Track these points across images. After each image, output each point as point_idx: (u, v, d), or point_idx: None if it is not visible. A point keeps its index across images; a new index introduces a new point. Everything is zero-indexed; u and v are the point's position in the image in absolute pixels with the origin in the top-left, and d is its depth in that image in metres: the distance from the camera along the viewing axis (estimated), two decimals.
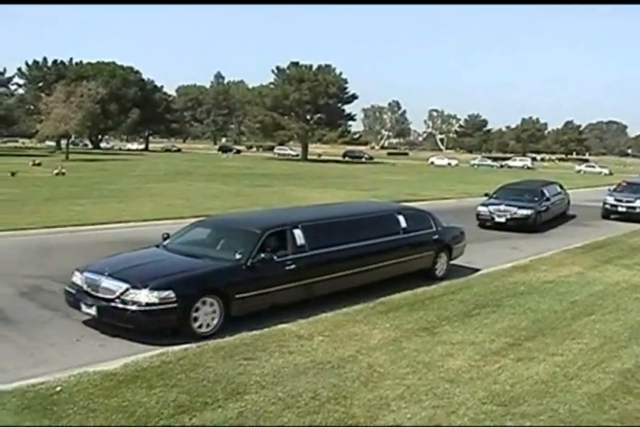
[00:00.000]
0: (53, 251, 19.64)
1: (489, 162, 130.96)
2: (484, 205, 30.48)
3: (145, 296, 11.75)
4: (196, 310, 12.12)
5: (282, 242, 13.89)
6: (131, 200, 34.11)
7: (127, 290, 11.93)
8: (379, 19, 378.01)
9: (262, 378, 9.79)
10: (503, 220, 29.35)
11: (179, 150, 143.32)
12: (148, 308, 11.72)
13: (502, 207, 29.52)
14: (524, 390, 9.73)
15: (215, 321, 12.41)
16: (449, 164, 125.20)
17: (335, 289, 14.85)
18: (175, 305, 11.82)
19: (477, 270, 19.25)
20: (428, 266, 17.89)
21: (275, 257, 13.42)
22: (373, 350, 11.26)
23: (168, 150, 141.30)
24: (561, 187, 35.98)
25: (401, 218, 17.27)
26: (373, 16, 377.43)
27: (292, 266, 13.71)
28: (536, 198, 30.87)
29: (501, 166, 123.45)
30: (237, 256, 13.17)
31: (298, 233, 14.10)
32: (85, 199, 33.46)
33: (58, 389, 9.15)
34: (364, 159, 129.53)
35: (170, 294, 11.79)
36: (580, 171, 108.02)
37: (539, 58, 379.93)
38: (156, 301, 11.72)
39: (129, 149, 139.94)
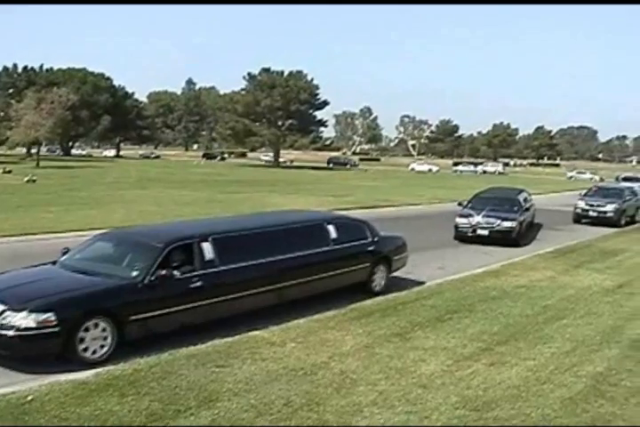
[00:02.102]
0: (23, 258, 19.47)
1: (472, 168, 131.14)
2: (462, 215, 27.87)
3: (22, 319, 10.53)
4: (83, 333, 10.90)
5: (188, 257, 12.65)
6: (102, 207, 33.90)
7: (3, 312, 10.71)
8: (349, 24, 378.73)
9: (235, 385, 9.73)
10: (486, 232, 26.81)
11: (157, 157, 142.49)
12: (25, 333, 10.50)
13: (484, 219, 27.04)
14: (496, 394, 9.74)
15: (106, 346, 11.21)
16: (429, 170, 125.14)
17: (250, 308, 13.67)
18: (57, 329, 10.58)
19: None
20: (364, 280, 16.65)
21: (177, 274, 12.24)
22: (346, 357, 11.23)
23: (147, 157, 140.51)
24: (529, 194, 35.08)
25: (331, 228, 15.98)
26: (345, 21, 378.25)
27: (198, 283, 12.49)
28: (515, 208, 28.58)
29: (484, 172, 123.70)
30: (134, 273, 12.04)
31: (206, 247, 12.86)
32: (56, 206, 33.23)
33: (29, 398, 9.05)
34: (349, 166, 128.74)
35: (50, 316, 10.56)
36: (571, 177, 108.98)
37: (509, 63, 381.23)
38: (34, 325, 10.50)
39: (105, 156, 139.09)
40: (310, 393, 9.54)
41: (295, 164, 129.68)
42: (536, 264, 21.38)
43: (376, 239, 17.12)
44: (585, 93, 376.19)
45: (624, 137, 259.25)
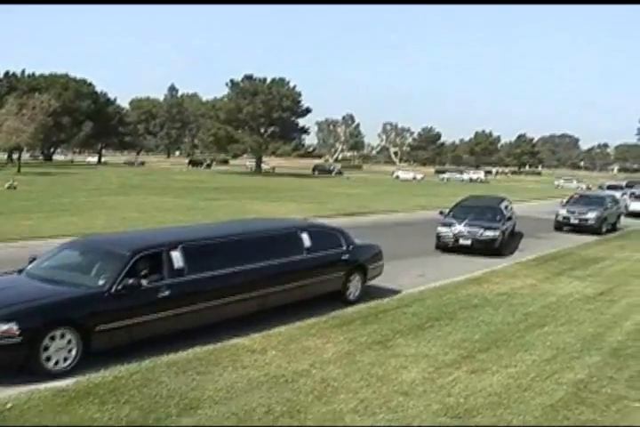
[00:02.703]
0: (1, 264, 19.38)
1: (459, 175, 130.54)
2: (444, 225, 27.09)
3: None
4: (47, 344, 10.59)
5: (156, 265, 12.38)
6: (84, 214, 33.79)
7: None
8: (331, 31, 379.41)
9: (216, 393, 9.70)
10: (469, 242, 26.12)
11: (142, 164, 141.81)
12: None
13: (466, 228, 26.35)
14: (477, 402, 9.74)
15: (71, 357, 10.91)
16: (414, 177, 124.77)
17: (221, 318, 13.44)
18: (19, 339, 10.27)
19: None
20: (338, 289, 16.37)
21: (145, 283, 11.97)
22: (327, 364, 11.22)
23: (132, 163, 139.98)
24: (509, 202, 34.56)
25: (305, 236, 15.71)
26: (327, 28, 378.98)
27: (167, 293, 12.21)
28: (498, 217, 27.98)
29: (471, 180, 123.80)
30: (101, 282, 11.72)
31: (176, 255, 12.56)
32: (38, 213, 33.13)
33: (8, 406, 9.00)
34: (333, 173, 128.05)
35: (12, 326, 10.24)
36: (558, 185, 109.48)
37: (492, 72, 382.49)
38: None
39: (89, 163, 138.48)
40: (291, 401, 9.51)
41: (278, 171, 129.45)
42: (517, 272, 21.43)
43: (351, 248, 16.87)
44: (568, 101, 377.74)
45: (605, 145, 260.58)
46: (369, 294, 17.25)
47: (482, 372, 11.17)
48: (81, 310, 11.18)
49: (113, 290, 11.54)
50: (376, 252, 17.96)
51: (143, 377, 10.27)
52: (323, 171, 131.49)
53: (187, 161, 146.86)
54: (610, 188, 66.97)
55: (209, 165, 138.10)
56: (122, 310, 11.59)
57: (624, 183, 79.62)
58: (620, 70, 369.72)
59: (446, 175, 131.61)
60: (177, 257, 12.59)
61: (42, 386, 9.88)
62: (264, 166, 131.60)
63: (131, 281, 11.67)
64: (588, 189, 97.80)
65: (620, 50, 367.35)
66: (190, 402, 9.32)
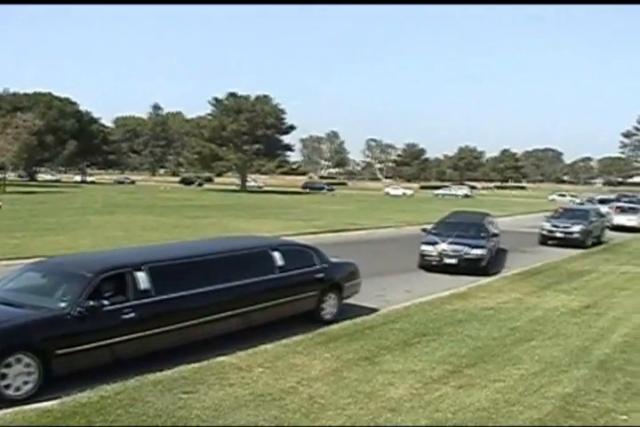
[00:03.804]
0: None
1: (454, 191, 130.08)
2: (427, 243, 25.91)
3: None
4: (5, 370, 10.19)
5: (120, 287, 12.01)
6: (69, 233, 33.65)
7: None
8: (315, 49, 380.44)
9: (202, 411, 9.63)
10: (454, 261, 24.91)
11: (133, 182, 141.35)
12: None
13: (451, 246, 25.20)
14: (466, 417, 9.72)
15: (31, 382, 10.50)
16: (404, 193, 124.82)
17: (190, 339, 13.01)
18: None
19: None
20: (312, 308, 15.96)
21: (108, 304, 11.59)
22: (314, 381, 11.17)
23: (121, 182, 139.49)
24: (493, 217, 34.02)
25: (276, 255, 15.27)
26: (310, 46, 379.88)
27: (132, 314, 11.81)
28: (483, 234, 26.86)
29: (466, 196, 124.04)
30: (62, 304, 11.33)
31: (141, 276, 12.19)
32: (22, 232, 32.96)
33: None
34: (324, 191, 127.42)
35: None
36: (552, 199, 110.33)
37: (475, 87, 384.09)
38: None
39: (76, 182, 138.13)
40: (279, 419, 9.46)
41: (265, 188, 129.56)
42: (503, 286, 21.44)
43: (325, 266, 16.47)
44: (551, 115, 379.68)
45: (589, 159, 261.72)
46: (354, 310, 17.22)
47: (469, 387, 11.14)
48: (40, 334, 10.78)
49: (74, 312, 11.13)
50: (352, 270, 17.60)
51: (129, 396, 10.17)
52: (313, 188, 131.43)
53: (178, 180, 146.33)
54: (601, 202, 67.50)
55: (200, 184, 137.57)
56: (84, 332, 11.22)
57: (614, 196, 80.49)
58: (602, 84, 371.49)
59: (441, 191, 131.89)
60: (142, 278, 12.24)
61: (27, 407, 9.77)
62: (254, 184, 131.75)
63: (93, 303, 11.32)
64: (581, 203, 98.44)
65: (602, 63, 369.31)
66: (177, 421, 9.25)
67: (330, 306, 16.41)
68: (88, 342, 11.17)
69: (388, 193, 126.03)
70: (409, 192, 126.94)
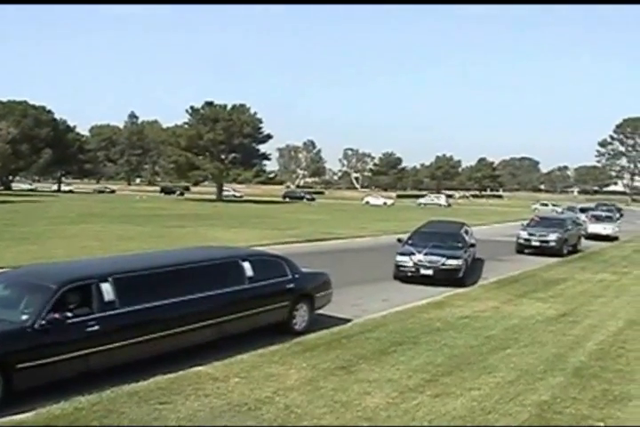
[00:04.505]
0: None
1: (436, 200, 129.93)
2: (403, 254, 25.40)
3: None
4: None
5: (85, 298, 11.67)
6: (44, 243, 33.42)
7: None
8: (293, 58, 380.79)
9: (178, 422, 9.57)
10: (430, 272, 24.37)
11: (113, 192, 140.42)
12: None
13: (427, 257, 24.68)
14: (442, 426, 9.70)
15: None
16: (384, 203, 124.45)
17: (158, 351, 12.75)
18: None
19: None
20: (283, 319, 15.75)
21: (72, 317, 11.26)
22: (290, 391, 11.12)
23: (101, 192, 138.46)
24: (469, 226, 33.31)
25: (246, 265, 15.05)
26: (288, 55, 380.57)
27: (96, 327, 11.48)
28: (460, 245, 26.59)
29: (449, 205, 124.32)
30: (24, 317, 10.98)
31: (106, 287, 11.87)
32: None
33: None
34: (305, 200, 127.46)
35: None
36: (535, 209, 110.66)
37: (451, 95, 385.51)
38: None
39: (54, 191, 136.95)
40: None
41: (244, 198, 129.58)
42: (479, 295, 21.50)
43: (296, 276, 16.28)
44: (528, 125, 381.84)
45: (565, 167, 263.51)
46: (330, 319, 17.22)
47: (446, 395, 11.13)
48: (0, 348, 10.42)
49: (37, 325, 10.80)
50: (324, 280, 17.45)
51: (104, 408, 10.07)
52: (294, 197, 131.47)
53: (158, 189, 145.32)
54: (582, 210, 68.30)
55: (182, 193, 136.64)
56: (46, 346, 10.88)
57: (593, 205, 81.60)
58: (579, 93, 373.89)
59: (423, 200, 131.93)
60: (107, 289, 11.95)
61: (0, 420, 9.66)
62: (232, 193, 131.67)
63: (56, 315, 10.99)
64: (562, 212, 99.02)
65: (578, 73, 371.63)
66: None
67: (301, 317, 16.23)
68: (51, 355, 10.86)
69: (368, 202, 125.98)
70: (389, 201, 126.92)
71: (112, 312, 11.87)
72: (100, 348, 11.54)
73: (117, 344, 11.83)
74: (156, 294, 12.86)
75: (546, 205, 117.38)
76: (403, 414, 10.17)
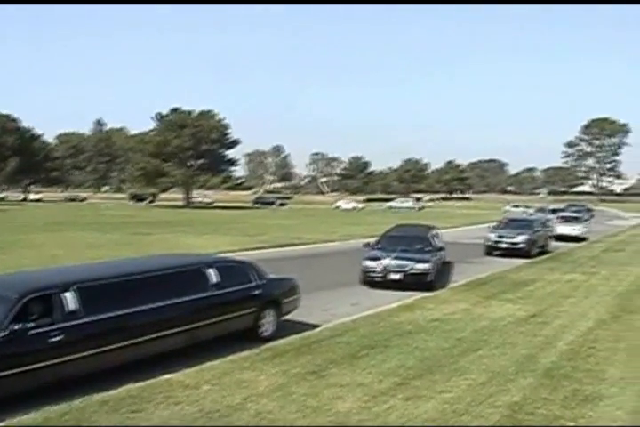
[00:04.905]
0: None
1: (408, 204, 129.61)
2: (371, 258, 25.06)
3: None
4: None
5: (47, 308, 11.42)
6: (12, 252, 33.09)
7: None
8: (259, 63, 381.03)
9: None
10: (399, 277, 24.04)
11: (84, 200, 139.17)
12: None
13: (395, 262, 24.32)
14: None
15: None
16: (354, 207, 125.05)
17: (124, 361, 12.51)
18: None
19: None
20: (250, 326, 15.57)
21: (34, 327, 11.03)
22: (261, 397, 11.06)
23: (72, 200, 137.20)
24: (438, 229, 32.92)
25: (211, 272, 14.84)
26: (254, 59, 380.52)
27: (60, 337, 11.22)
28: (428, 249, 26.21)
29: (422, 208, 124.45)
30: None
31: (69, 296, 11.64)
32: None
33: None
34: (274, 206, 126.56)
35: None
36: (507, 211, 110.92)
37: (417, 98, 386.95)
38: None
39: (24, 200, 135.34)
40: None
41: (213, 204, 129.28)
42: (450, 297, 21.53)
43: (263, 282, 16.12)
44: (495, 127, 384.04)
45: (533, 169, 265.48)
46: (300, 324, 17.19)
47: (417, 398, 11.12)
48: None
49: None
50: (291, 285, 17.34)
51: (74, 417, 9.95)
52: (265, 203, 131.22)
53: (128, 196, 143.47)
54: (553, 211, 68.88)
55: (152, 201, 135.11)
56: (8, 357, 10.62)
57: (563, 206, 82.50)
58: (546, 94, 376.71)
59: (396, 204, 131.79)
60: (70, 298, 11.70)
61: None
62: (200, 199, 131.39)
63: (17, 326, 10.78)
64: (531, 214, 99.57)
65: (545, 74, 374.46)
66: None
67: (268, 323, 16.09)
68: (14, 366, 10.62)
69: (338, 207, 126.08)
70: (360, 206, 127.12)
71: (76, 322, 11.64)
72: (65, 358, 11.33)
73: (83, 354, 11.61)
74: (121, 303, 12.63)
75: (518, 206, 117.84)
76: (374, 417, 10.15)
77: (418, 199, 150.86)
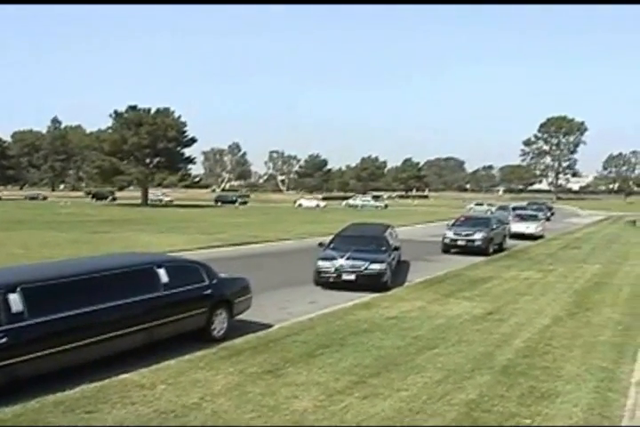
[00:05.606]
0: None
1: (373, 202, 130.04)
2: (325, 258, 24.46)
3: None
4: None
5: None
6: None
7: None
8: (217, 61, 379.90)
9: None
10: (353, 277, 23.48)
11: (45, 198, 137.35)
12: None
13: (349, 262, 23.77)
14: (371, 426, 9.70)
15: None
16: (317, 205, 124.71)
17: (73, 363, 12.20)
18: None
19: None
20: (202, 326, 15.41)
21: None
22: (217, 396, 11.01)
23: (33, 198, 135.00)
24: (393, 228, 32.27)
25: (161, 272, 14.56)
26: (211, 58, 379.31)
27: (4, 340, 10.89)
28: (383, 248, 25.60)
29: (386, 206, 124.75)
30: None
31: (13, 298, 11.30)
32: None
33: None
34: (236, 204, 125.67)
35: None
36: (470, 209, 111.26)
37: (374, 97, 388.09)
38: None
39: None
40: None
41: (170, 203, 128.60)
42: (406, 295, 21.56)
43: (214, 282, 15.94)
44: (452, 125, 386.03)
45: (490, 167, 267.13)
46: (256, 323, 17.15)
47: (374, 397, 11.13)
48: None
49: None
50: (243, 285, 17.20)
51: (29, 419, 9.86)
52: (225, 201, 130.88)
53: (89, 195, 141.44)
54: (514, 209, 69.42)
55: (114, 199, 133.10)
56: None
57: (525, 204, 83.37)
58: (503, 93, 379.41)
59: (359, 202, 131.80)
60: (14, 300, 11.35)
61: None
62: (159, 198, 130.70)
63: None
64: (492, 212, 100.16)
65: (502, 72, 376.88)
66: None
67: (220, 323, 15.96)
68: None
69: (300, 205, 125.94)
70: (322, 204, 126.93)
71: (21, 324, 11.32)
72: (10, 361, 11.03)
73: (29, 356, 11.32)
74: (69, 304, 12.29)
75: (481, 204, 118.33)
76: (331, 416, 10.15)
77: (377, 197, 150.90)
